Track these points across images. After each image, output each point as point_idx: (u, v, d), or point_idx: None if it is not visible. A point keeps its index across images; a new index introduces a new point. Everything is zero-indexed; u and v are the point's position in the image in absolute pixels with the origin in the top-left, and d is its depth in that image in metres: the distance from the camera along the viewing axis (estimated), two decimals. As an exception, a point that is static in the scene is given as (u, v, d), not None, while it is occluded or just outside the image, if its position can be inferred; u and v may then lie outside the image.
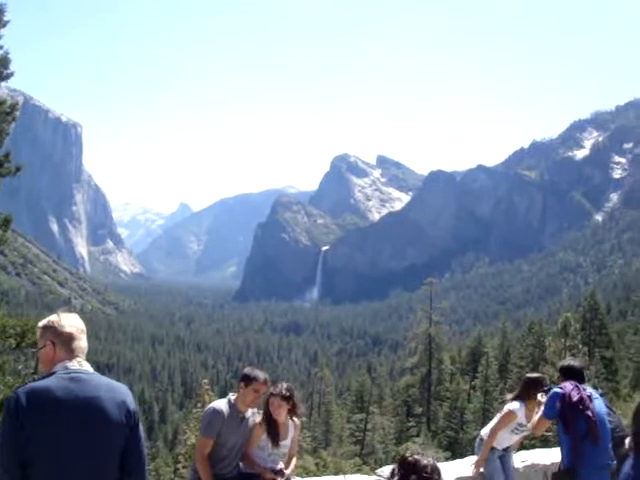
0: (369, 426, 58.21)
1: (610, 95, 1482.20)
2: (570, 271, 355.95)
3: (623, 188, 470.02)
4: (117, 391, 4.24)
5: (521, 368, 72.97)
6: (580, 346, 57.01)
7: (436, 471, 3.87)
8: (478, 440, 8.48)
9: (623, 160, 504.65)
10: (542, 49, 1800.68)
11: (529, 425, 7.90)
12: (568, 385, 6.80)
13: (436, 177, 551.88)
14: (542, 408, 7.50)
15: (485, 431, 8.32)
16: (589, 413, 6.60)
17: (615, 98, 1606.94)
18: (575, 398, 6.62)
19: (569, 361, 7.28)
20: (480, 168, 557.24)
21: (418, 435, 56.43)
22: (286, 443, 7.18)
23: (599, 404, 6.82)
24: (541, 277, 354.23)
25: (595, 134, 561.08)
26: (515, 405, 7.96)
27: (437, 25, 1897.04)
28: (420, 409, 64.79)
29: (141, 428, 4.39)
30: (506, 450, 8.08)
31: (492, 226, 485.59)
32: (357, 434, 59.18)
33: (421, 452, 3.99)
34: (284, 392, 6.99)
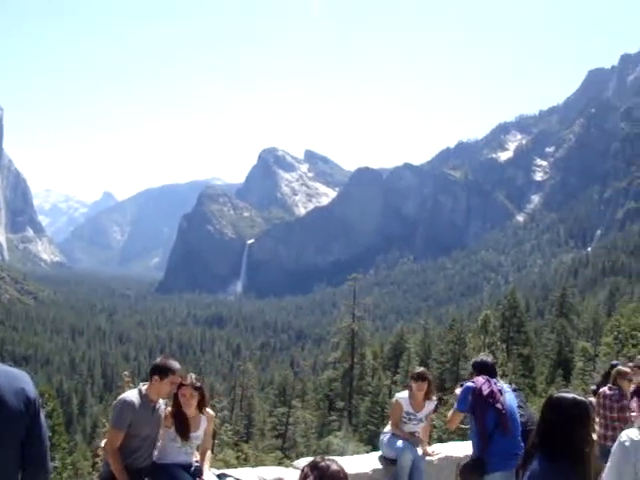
0: (291, 420, 58.36)
1: (534, 100, 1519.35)
2: (491, 270, 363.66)
3: (544, 190, 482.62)
4: (15, 378, 3.96)
5: (442, 364, 74.26)
6: (499, 343, 58.45)
7: (345, 478, 3.90)
8: (381, 436, 8.70)
9: (545, 163, 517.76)
10: (470, 52, 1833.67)
11: (420, 414, 8.24)
12: (480, 379, 7.13)
13: (363, 174, 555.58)
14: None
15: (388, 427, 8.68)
16: (499, 406, 6.97)
17: (539, 103, 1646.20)
18: (486, 391, 6.96)
19: (482, 357, 7.62)
20: (407, 166, 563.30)
21: (339, 429, 56.83)
22: (198, 435, 7.11)
23: (510, 398, 7.17)
24: (463, 275, 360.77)
25: (519, 137, 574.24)
26: (401, 394, 8.32)
27: (366, 21, 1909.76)
28: (342, 403, 65.20)
29: (42, 417, 4.12)
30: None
31: (417, 224, 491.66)
32: (279, 428, 59.25)
33: (332, 458, 4.02)
34: (195, 382, 6.93)
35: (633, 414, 9.00)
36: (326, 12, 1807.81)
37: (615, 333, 60.74)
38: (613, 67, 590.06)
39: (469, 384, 7.24)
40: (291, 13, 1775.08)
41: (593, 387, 10.34)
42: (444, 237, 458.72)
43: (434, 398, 8.58)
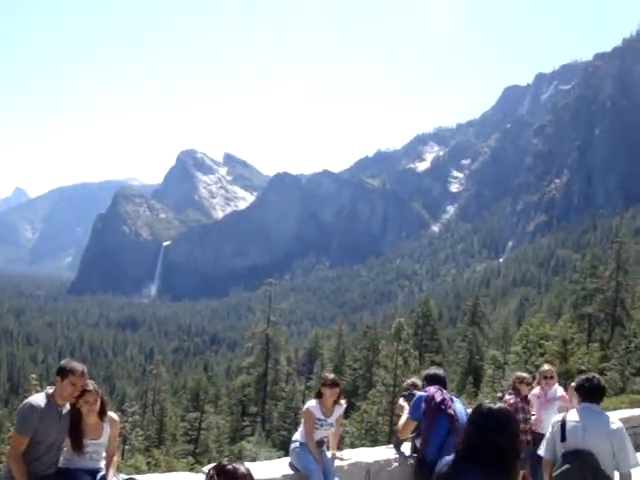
0: (204, 425, 57.86)
1: (452, 113, 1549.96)
2: (406, 278, 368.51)
3: (459, 201, 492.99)
4: None
5: (355, 370, 74.97)
6: (412, 350, 59.22)
7: None
8: (292, 445, 8.77)
9: (461, 175, 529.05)
10: (391, 63, 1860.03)
11: (331, 419, 8.39)
12: (432, 389, 7.46)
13: (282, 179, 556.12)
14: (405, 412, 7.98)
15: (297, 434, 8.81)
16: (451, 412, 7.29)
17: (457, 116, 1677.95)
18: (439, 399, 7.27)
19: (434, 370, 7.96)
20: (326, 173, 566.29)
21: (252, 434, 56.72)
22: (101, 442, 6.92)
23: (459, 406, 7.46)
24: (378, 282, 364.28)
25: (436, 148, 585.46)
26: (311, 403, 8.45)
27: (287, 24, 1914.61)
28: (255, 408, 65.12)
29: None
30: (320, 445, 8.44)
31: (334, 231, 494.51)
32: (191, 433, 58.67)
33: (239, 461, 3.93)
34: (97, 388, 6.74)
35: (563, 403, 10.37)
36: (242, 12, 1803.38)
37: (524, 342, 62.39)
38: (528, 85, 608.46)
39: (421, 393, 7.52)
40: (208, 12, 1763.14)
41: (499, 394, 10.68)
42: (360, 244, 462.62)
43: (343, 403, 8.71)
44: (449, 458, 4.66)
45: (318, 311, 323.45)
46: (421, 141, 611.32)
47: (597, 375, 7.34)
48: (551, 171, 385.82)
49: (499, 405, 4.37)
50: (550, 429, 6.99)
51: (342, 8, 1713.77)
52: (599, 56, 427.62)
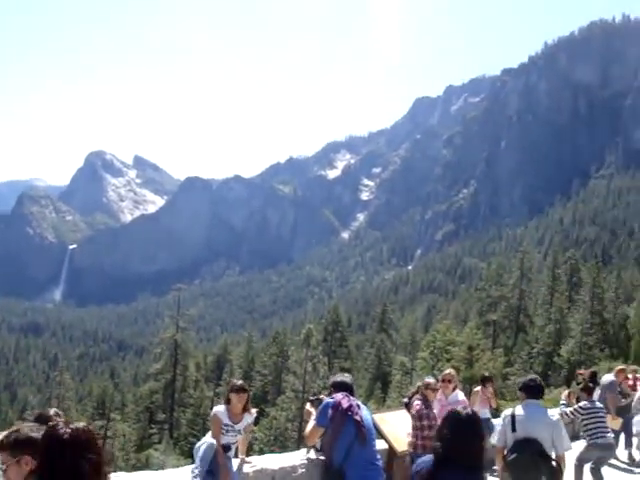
0: (109, 433, 56.58)
1: (364, 122, 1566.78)
2: (316, 284, 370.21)
3: (369, 209, 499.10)
4: None
5: (264, 376, 74.79)
6: (321, 356, 59.46)
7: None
8: (197, 444, 8.73)
9: (371, 183, 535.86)
10: (305, 69, 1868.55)
11: (238, 426, 8.38)
12: (339, 395, 7.42)
13: (192, 183, 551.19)
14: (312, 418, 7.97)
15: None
16: (358, 418, 7.27)
17: (368, 125, 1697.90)
18: (345, 405, 7.27)
19: (341, 377, 7.95)
20: (237, 178, 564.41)
21: (160, 442, 55.85)
22: None
23: (366, 412, 7.51)
24: (288, 289, 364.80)
25: (348, 156, 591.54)
26: (218, 408, 8.45)
27: (195, 29, 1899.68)
28: (163, 416, 64.11)
29: None
30: (224, 448, 8.40)
31: (244, 236, 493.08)
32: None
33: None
34: None
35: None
36: (163, 13, 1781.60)
37: (431, 348, 63.51)
38: (438, 96, 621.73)
39: (328, 400, 7.48)
40: (113, 9, 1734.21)
41: (405, 400, 10.83)
42: (271, 250, 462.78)
43: (253, 412, 8.70)
44: (426, 460, 4.99)
45: (227, 317, 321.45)
46: (333, 149, 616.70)
47: (538, 377, 8.77)
48: (459, 181, 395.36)
49: (472, 412, 4.98)
50: (501, 422, 8.36)
51: (250, 9, 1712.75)
52: (506, 71, 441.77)
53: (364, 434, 7.22)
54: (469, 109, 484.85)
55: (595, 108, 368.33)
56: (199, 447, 8.50)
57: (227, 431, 8.37)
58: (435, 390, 10.11)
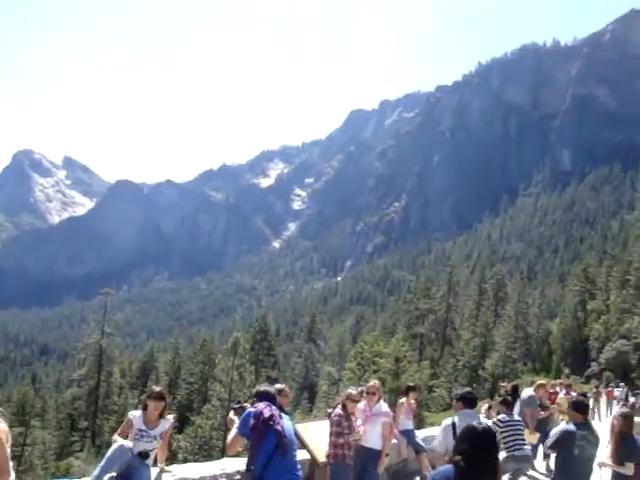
0: (28, 440, 55.12)
1: (298, 131, 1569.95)
2: (245, 293, 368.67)
3: (301, 219, 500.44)
4: None
5: (190, 384, 74.11)
6: (248, 365, 59.21)
7: None
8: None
9: (304, 193, 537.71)
10: (239, 79, 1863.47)
11: (154, 432, 8.33)
12: (261, 404, 7.37)
13: (123, 186, 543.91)
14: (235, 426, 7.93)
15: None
16: (279, 428, 7.23)
17: (302, 135, 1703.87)
18: (267, 414, 7.23)
19: (264, 387, 7.90)
20: (169, 183, 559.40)
21: (82, 450, 54.73)
22: None
23: (288, 422, 7.50)
24: (217, 296, 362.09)
25: (281, 165, 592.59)
26: (135, 413, 8.40)
27: (124, 31, 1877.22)
28: (86, 423, 62.82)
29: None
30: (140, 455, 8.32)
31: (175, 242, 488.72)
32: (15, 449, 55.53)
33: None
34: None
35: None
36: (86, 11, 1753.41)
37: (358, 359, 63.83)
38: (373, 110, 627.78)
39: (250, 409, 7.44)
40: (47, 6, 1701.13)
41: (329, 410, 10.86)
42: (201, 257, 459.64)
43: (170, 418, 8.65)
44: (443, 470, 5.24)
45: (155, 323, 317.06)
46: (266, 157, 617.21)
47: (471, 389, 10.08)
48: (391, 194, 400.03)
49: (487, 426, 5.24)
50: (442, 429, 9.54)
51: (181, 14, 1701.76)
52: (440, 88, 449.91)
53: (285, 444, 7.20)
54: (403, 124, 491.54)
55: (525, 128, 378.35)
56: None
57: (142, 436, 8.29)
58: (355, 401, 10.16)
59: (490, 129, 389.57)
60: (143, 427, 8.32)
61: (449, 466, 5.25)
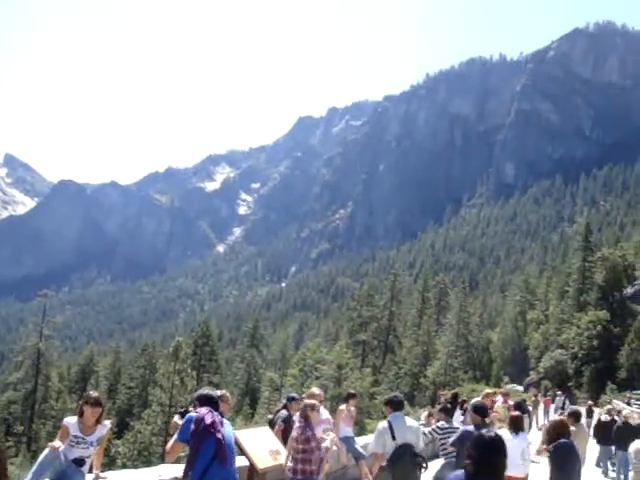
0: (-40, 444, 53.71)
1: (245, 136, 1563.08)
2: (188, 297, 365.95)
3: (246, 224, 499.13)
4: None
5: (131, 389, 73.21)
6: (189, 370, 58.70)
7: None
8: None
9: (249, 198, 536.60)
10: (185, 84, 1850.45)
11: (90, 438, 8.20)
12: (203, 410, 7.24)
13: (66, 186, 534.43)
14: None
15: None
16: (219, 436, 7.11)
17: (249, 140, 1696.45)
18: (208, 421, 7.09)
19: (207, 391, 7.73)
20: (113, 184, 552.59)
21: (17, 455, 53.56)
22: None
23: (228, 429, 7.37)
24: (160, 300, 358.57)
25: (227, 170, 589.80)
26: (70, 419, 8.26)
27: (61, 29, 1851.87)
28: (21, 428, 61.50)
29: None
30: (76, 462, 8.20)
31: (118, 244, 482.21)
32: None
33: None
34: None
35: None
36: (33, 14, 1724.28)
37: (301, 365, 63.92)
38: (321, 117, 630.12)
39: (192, 414, 7.28)
40: None
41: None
42: (144, 260, 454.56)
43: (107, 423, 8.49)
44: (456, 474, 5.66)
45: (95, 326, 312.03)
46: (213, 161, 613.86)
47: (399, 393, 10.78)
48: (337, 201, 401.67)
49: (494, 434, 5.65)
50: (378, 432, 9.77)
51: (126, 18, 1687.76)
52: (388, 98, 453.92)
53: (224, 452, 7.11)
54: (350, 131, 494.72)
55: (470, 140, 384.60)
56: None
57: (77, 443, 8.13)
58: (317, 410, 9.94)
59: (436, 140, 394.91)
60: (79, 433, 8.13)
61: (461, 471, 5.63)
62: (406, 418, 9.99)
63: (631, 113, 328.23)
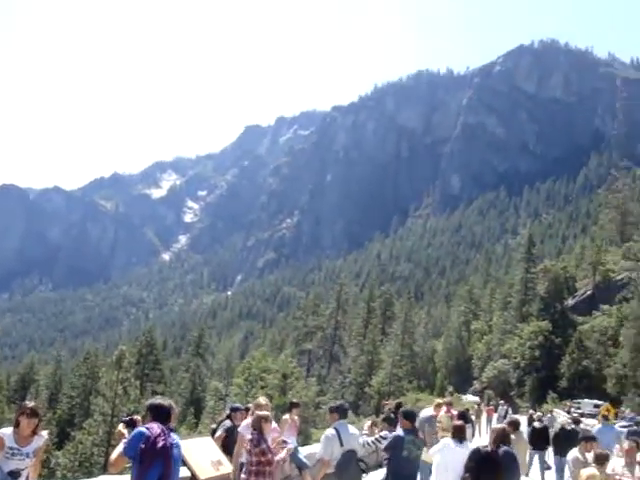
0: None
1: (192, 144, 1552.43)
2: (133, 305, 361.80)
3: (192, 232, 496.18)
4: None
5: (72, 398, 71.98)
6: (133, 379, 58.04)
7: None
8: None
9: (196, 206, 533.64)
10: (135, 85, 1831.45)
11: (26, 449, 8.06)
12: (156, 428, 6.75)
13: (7, 191, 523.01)
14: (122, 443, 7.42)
15: None
16: (169, 461, 6.61)
17: (197, 148, 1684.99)
18: (160, 444, 6.67)
19: (159, 400, 7.24)
20: (56, 189, 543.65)
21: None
22: None
23: (177, 451, 6.99)
24: (104, 308, 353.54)
25: (174, 177, 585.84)
26: (5, 430, 8.12)
27: (9, 27, 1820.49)
28: (-45, 437, 60.01)
29: None
30: (11, 475, 8.05)
31: (61, 250, 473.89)
32: None
33: None
34: None
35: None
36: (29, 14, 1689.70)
37: (246, 374, 63.63)
38: (269, 126, 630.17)
39: (142, 429, 6.80)
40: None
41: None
42: (88, 267, 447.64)
43: (44, 434, 8.32)
44: None
45: (37, 334, 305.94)
46: (159, 168, 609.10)
47: (344, 402, 11.33)
48: (283, 211, 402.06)
49: (490, 449, 6.15)
50: (325, 440, 9.88)
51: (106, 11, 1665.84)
52: (336, 108, 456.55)
53: (170, 476, 6.90)
54: (298, 141, 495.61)
55: (417, 152, 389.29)
56: None
57: (13, 454, 7.97)
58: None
59: (383, 151, 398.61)
60: (15, 445, 7.97)
61: None
62: (349, 426, 10.32)
63: (574, 129, 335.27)
